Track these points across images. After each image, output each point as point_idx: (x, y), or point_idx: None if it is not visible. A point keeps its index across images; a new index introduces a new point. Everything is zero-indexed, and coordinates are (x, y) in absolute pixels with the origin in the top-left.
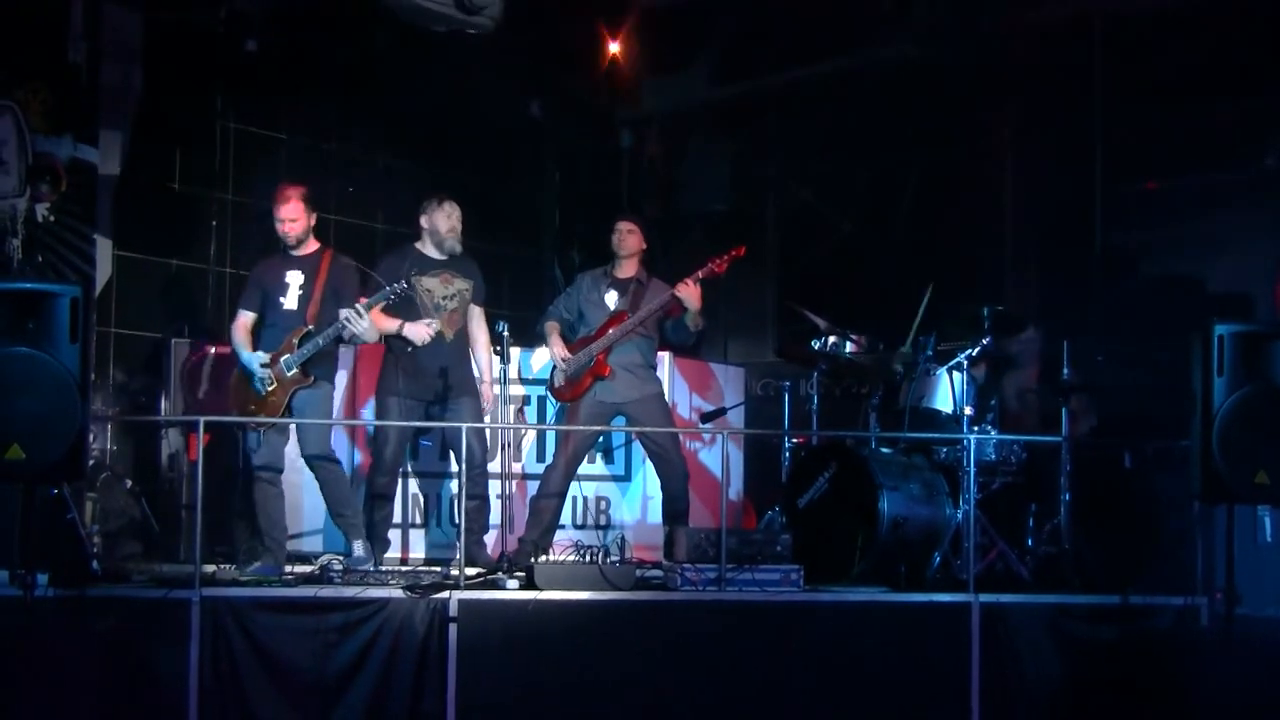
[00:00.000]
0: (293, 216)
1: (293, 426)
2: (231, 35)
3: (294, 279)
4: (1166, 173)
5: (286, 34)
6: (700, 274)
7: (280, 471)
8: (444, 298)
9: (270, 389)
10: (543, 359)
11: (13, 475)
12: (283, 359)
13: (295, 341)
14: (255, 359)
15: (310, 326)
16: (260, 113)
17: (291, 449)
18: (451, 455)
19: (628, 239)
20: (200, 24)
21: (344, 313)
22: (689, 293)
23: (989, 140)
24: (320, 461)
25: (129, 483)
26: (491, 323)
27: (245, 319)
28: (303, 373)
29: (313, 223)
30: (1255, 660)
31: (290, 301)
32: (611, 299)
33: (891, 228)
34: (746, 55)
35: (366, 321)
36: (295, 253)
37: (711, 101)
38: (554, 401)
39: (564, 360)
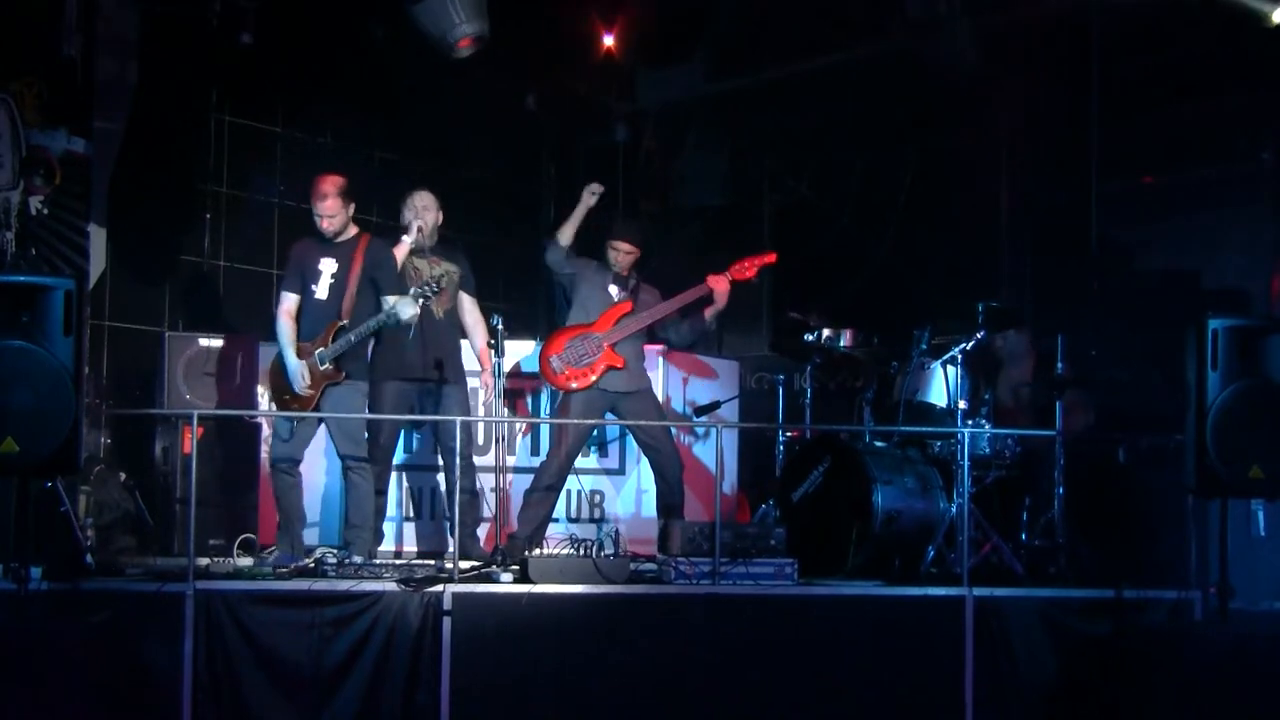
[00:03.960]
0: (331, 213)
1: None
2: (226, 29)
3: (327, 267)
4: (1162, 167)
5: (281, 27)
6: (732, 275)
7: (298, 463)
8: (432, 277)
9: (306, 384)
10: (527, 351)
11: (7, 468)
12: (316, 352)
13: (330, 336)
14: (293, 365)
15: (344, 321)
16: (255, 106)
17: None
18: (438, 445)
19: (625, 260)
20: (195, 17)
21: (391, 300)
22: (724, 289)
23: (985, 134)
24: (352, 462)
25: (123, 476)
26: (487, 315)
27: (291, 303)
28: (336, 367)
29: (351, 212)
30: (1249, 654)
31: (321, 291)
32: (614, 291)
33: (887, 222)
34: (743, 49)
35: (414, 308)
36: (331, 238)
37: (708, 95)
38: (552, 390)
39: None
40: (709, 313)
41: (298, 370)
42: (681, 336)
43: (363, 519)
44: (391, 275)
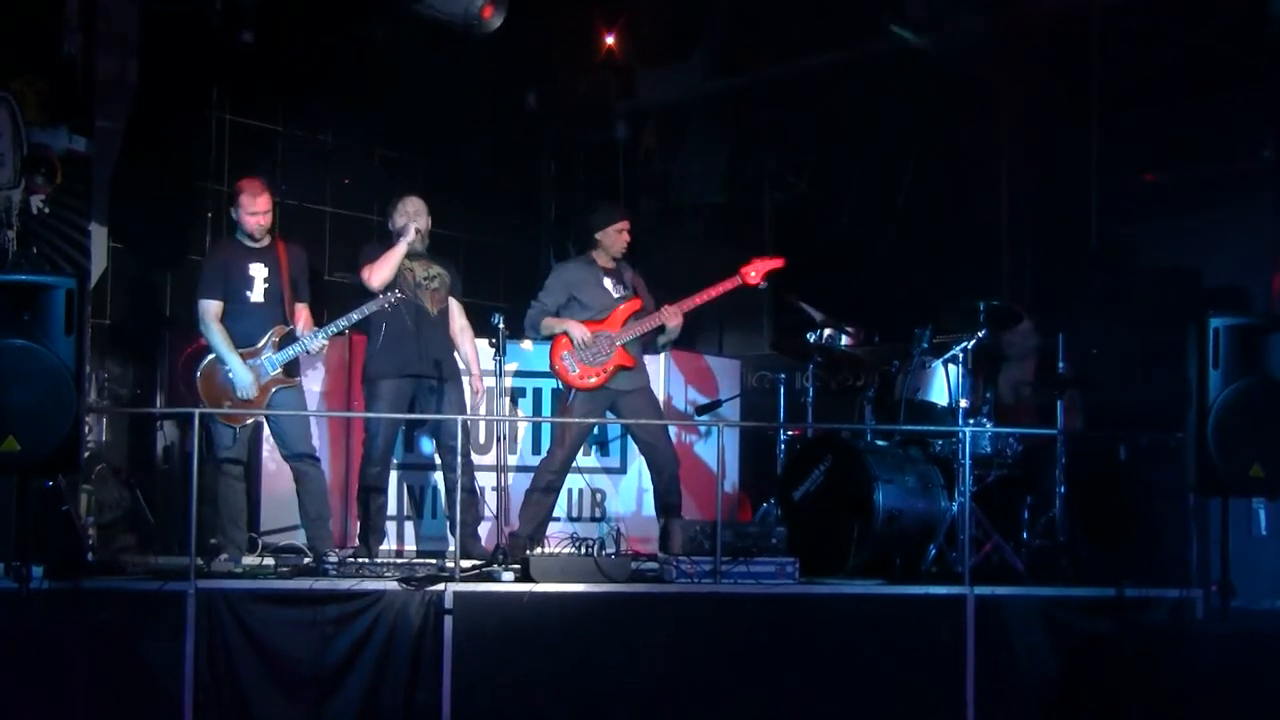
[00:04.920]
0: (268, 209)
1: (267, 428)
2: (227, 27)
3: (258, 272)
4: (1163, 165)
5: (282, 26)
6: (753, 281)
7: (244, 464)
8: (425, 277)
9: (256, 392)
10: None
11: (8, 467)
12: (264, 359)
13: (276, 340)
14: (243, 378)
15: (292, 326)
16: (256, 104)
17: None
18: (436, 444)
19: (626, 240)
20: (196, 15)
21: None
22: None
23: (985, 132)
24: (304, 460)
25: (124, 474)
26: (487, 315)
27: (218, 308)
28: (286, 372)
29: None
30: (1250, 652)
31: (257, 295)
32: (610, 285)
33: (887, 220)
34: (742, 47)
35: (379, 304)
36: (253, 244)
37: (707, 93)
38: (568, 389)
39: (584, 340)
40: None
41: (249, 381)
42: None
43: (324, 510)
44: (306, 285)
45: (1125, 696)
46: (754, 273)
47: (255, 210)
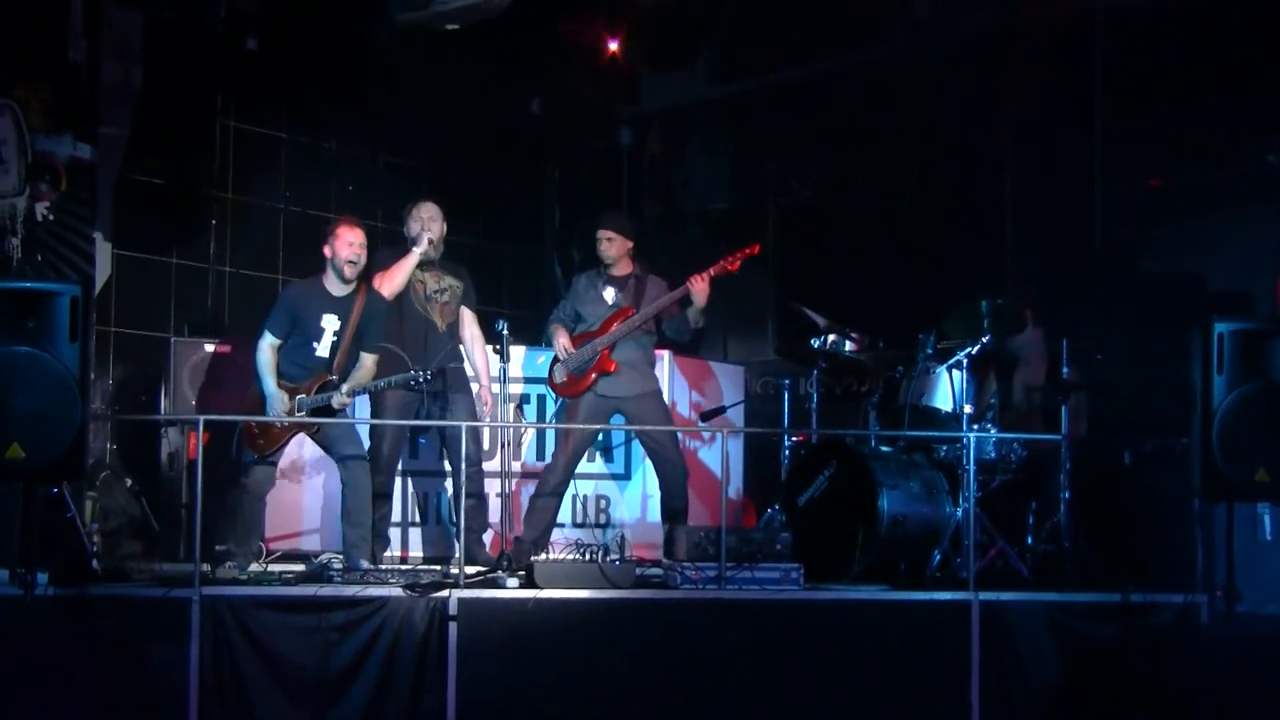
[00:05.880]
0: (364, 243)
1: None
2: (232, 34)
3: (330, 324)
4: (1167, 169)
5: (285, 32)
6: (713, 271)
7: (268, 485)
8: (436, 290)
9: (281, 425)
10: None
11: (12, 474)
12: (299, 398)
13: (315, 386)
14: (275, 401)
15: (334, 376)
16: (260, 111)
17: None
18: (446, 452)
19: (607, 247)
20: (200, 22)
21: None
22: (700, 288)
23: (989, 135)
24: (350, 460)
25: (129, 482)
26: (491, 321)
27: (274, 343)
28: (311, 414)
29: None
30: (1255, 657)
31: (323, 349)
32: (610, 295)
33: (891, 224)
34: (746, 52)
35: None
36: (335, 292)
37: (711, 99)
38: (554, 397)
39: (566, 351)
40: (691, 312)
41: (280, 407)
42: (675, 332)
43: (365, 517)
44: (380, 328)
45: (1130, 701)
46: (729, 264)
47: (352, 259)
